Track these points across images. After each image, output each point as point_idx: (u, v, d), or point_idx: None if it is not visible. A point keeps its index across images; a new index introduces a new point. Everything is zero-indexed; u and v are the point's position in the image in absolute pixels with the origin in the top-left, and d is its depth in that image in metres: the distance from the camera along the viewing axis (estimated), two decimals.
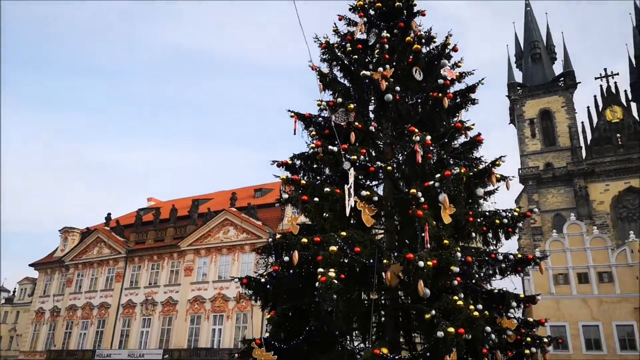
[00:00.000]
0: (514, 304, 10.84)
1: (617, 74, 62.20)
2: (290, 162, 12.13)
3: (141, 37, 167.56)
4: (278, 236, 11.07)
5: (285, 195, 11.32)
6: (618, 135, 58.36)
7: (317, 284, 8.83)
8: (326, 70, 12.94)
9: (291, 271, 10.41)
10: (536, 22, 71.93)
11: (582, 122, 62.02)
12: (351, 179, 10.07)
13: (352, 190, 9.88)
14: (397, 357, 8.33)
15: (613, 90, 61.18)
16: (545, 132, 63.67)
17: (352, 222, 11.22)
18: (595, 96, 62.31)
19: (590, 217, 54.48)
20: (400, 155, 12.69)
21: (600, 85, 62.12)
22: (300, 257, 9.74)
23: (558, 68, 67.35)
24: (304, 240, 9.94)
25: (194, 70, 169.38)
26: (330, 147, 11.04)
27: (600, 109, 60.90)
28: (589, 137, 60.42)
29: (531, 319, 11.49)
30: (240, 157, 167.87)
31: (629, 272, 33.54)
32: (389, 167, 11.42)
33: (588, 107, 62.97)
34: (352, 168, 10.44)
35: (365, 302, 11.28)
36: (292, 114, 12.35)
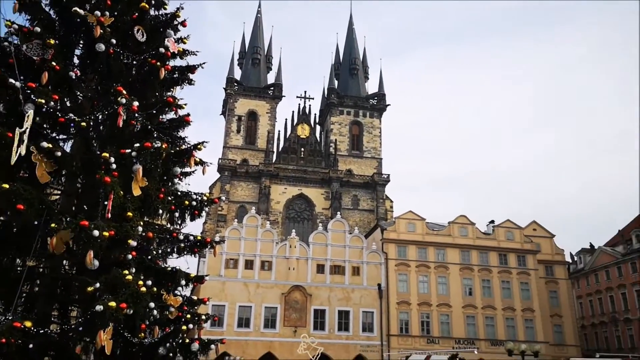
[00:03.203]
0: (184, 282, 11.26)
1: (313, 98, 74.12)
2: None
3: None
4: None
5: None
6: (302, 149, 69.10)
7: None
8: None
9: None
10: (263, 29, 78.47)
11: (279, 131, 70.94)
12: (27, 124, 8.50)
13: (25, 137, 8.34)
14: (42, 331, 7.40)
15: (307, 111, 72.32)
16: (249, 131, 69.78)
17: (21, 174, 9.52)
18: (293, 111, 72.37)
19: (267, 213, 62.29)
20: (100, 114, 11.52)
21: (299, 104, 72.56)
22: None
23: (271, 78, 75.04)
24: None
25: None
26: (11, 80, 9.07)
27: (294, 123, 70.82)
28: (282, 144, 69.53)
29: (195, 298, 12.17)
30: None
31: (285, 262, 39.90)
32: (84, 123, 10.19)
33: (286, 119, 72.52)
34: (34, 112, 8.84)
35: (19, 268, 9.70)
36: None
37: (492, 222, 47.74)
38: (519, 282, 43.76)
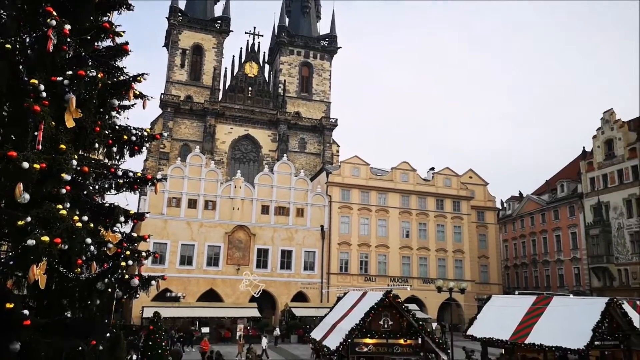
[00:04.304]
0: (123, 219, 11.01)
1: (263, 35, 71.54)
2: None
3: None
4: None
5: None
6: (250, 88, 67.31)
7: None
8: None
9: None
10: None
11: (226, 68, 68.37)
12: None
13: None
14: None
15: (256, 48, 69.82)
16: (194, 66, 66.74)
17: None
18: (241, 48, 69.69)
19: (212, 153, 61.24)
20: (27, 36, 10.55)
21: (247, 40, 69.82)
22: None
23: (219, 10, 71.22)
24: None
25: None
26: None
27: (242, 61, 68.39)
28: (229, 82, 67.28)
29: (136, 235, 11.99)
30: None
31: (229, 203, 39.85)
32: (9, 45, 9.31)
33: (233, 56, 69.86)
34: None
35: None
36: None
37: (432, 169, 49.62)
38: (453, 226, 46.47)
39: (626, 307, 19.15)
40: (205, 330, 33.76)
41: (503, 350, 21.37)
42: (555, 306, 19.77)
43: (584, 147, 47.00)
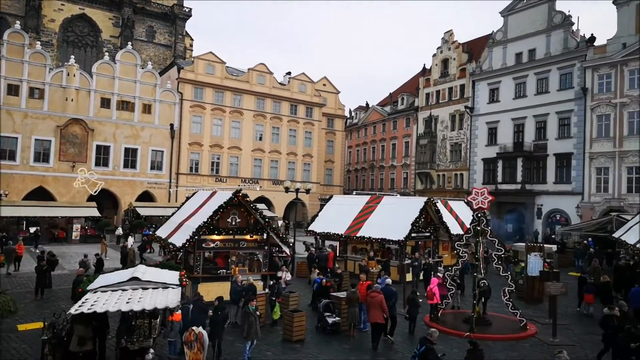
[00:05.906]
0: None
1: None
2: None
3: None
4: None
5: None
6: None
7: None
8: None
9: None
10: None
11: None
12: None
13: None
14: None
15: None
16: None
17: None
18: None
19: (38, 32, 52.26)
20: None
21: None
22: None
23: None
24: None
25: None
26: None
27: None
28: None
29: None
30: None
31: (61, 92, 35.13)
32: None
33: None
34: None
35: None
36: None
37: (289, 73, 49.60)
38: (304, 131, 48.17)
39: (439, 205, 22.59)
40: (34, 230, 30.97)
41: (338, 242, 23.89)
42: (384, 204, 22.42)
43: (424, 65, 51.13)
